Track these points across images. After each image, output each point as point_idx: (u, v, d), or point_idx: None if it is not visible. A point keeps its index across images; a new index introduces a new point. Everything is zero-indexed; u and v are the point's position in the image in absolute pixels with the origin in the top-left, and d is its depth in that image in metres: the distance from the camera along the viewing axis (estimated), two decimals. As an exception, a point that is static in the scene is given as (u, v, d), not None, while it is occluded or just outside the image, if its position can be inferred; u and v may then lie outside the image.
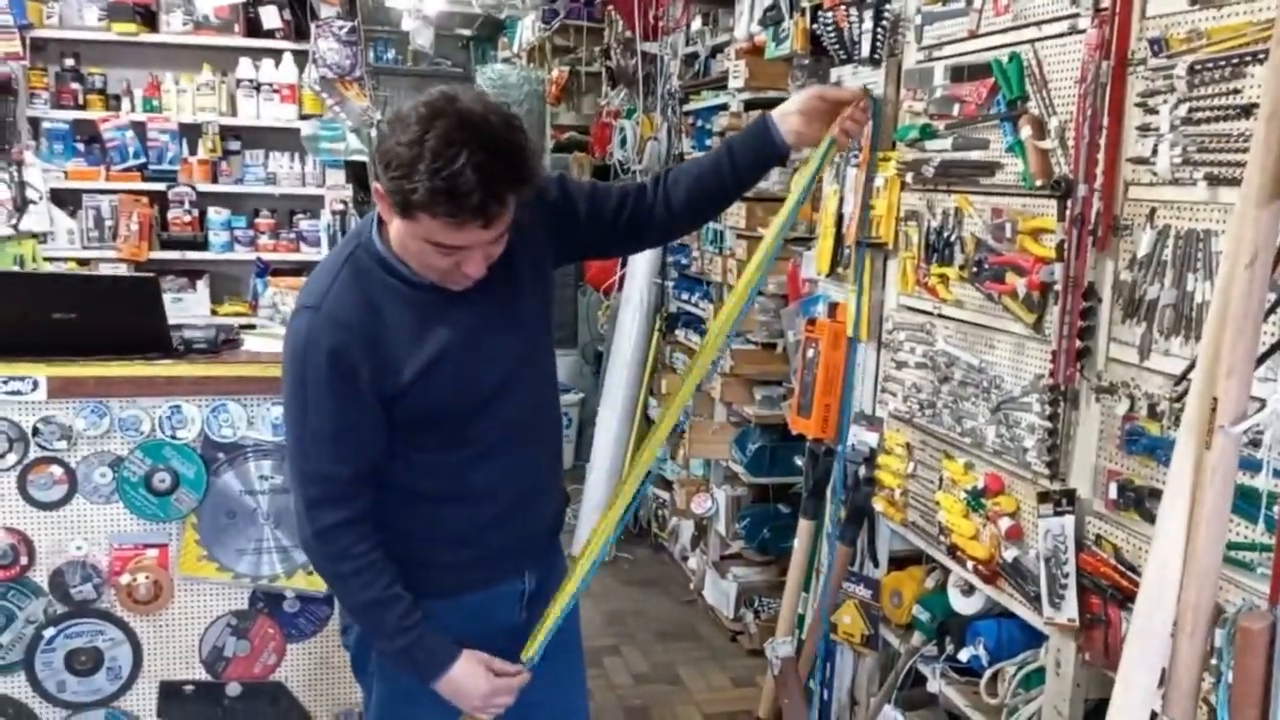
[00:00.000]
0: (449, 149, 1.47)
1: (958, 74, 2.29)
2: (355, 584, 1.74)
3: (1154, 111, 1.74)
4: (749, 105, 3.97)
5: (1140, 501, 1.77)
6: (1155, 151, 1.73)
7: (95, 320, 2.70)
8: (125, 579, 2.76)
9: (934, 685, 2.44)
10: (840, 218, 2.72)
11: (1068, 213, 1.89)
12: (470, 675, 1.77)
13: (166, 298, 4.65)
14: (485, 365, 1.73)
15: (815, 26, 2.94)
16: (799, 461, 3.06)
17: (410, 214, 1.53)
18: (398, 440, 1.72)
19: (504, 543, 1.85)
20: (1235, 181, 1.58)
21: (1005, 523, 2.11)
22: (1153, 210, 1.76)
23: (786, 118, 1.92)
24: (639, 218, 1.91)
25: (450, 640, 1.78)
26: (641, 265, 4.72)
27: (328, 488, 1.70)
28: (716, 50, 4.48)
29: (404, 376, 1.66)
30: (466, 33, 14.16)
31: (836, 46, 2.78)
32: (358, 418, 1.67)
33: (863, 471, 2.62)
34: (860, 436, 2.65)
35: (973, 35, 2.25)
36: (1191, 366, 1.56)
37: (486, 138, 1.50)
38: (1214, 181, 1.62)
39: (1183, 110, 1.68)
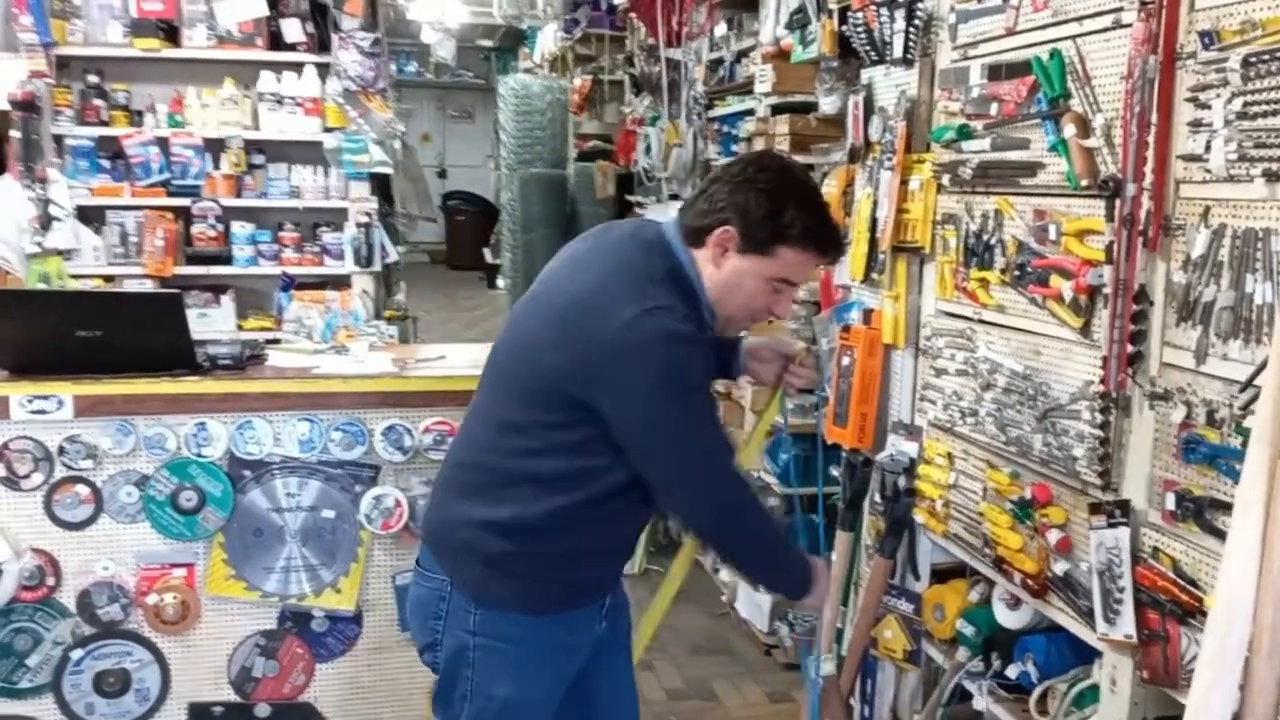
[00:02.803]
0: (811, 194, 1.82)
1: (995, 73, 2.23)
2: (767, 525, 1.94)
3: (1206, 107, 1.67)
4: (776, 109, 3.92)
5: (1200, 512, 1.70)
6: (1208, 148, 1.65)
7: (120, 337, 2.68)
8: (152, 599, 2.74)
9: (980, 702, 2.36)
10: (874, 222, 2.65)
11: (1116, 213, 1.82)
12: (821, 569, 2.02)
13: (191, 313, 4.65)
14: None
15: (844, 28, 2.89)
16: (834, 471, 2.99)
17: (770, 250, 1.76)
18: None
19: (624, 559, 2.04)
20: (1298, 177, 1.51)
21: (1054, 535, 2.04)
22: (1207, 209, 1.69)
23: (750, 352, 2.17)
24: None
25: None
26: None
27: (733, 455, 1.85)
28: (741, 55, 4.44)
29: None
30: (488, 44, 14.24)
31: (867, 48, 2.71)
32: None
33: (902, 482, 2.55)
34: (899, 446, 2.58)
35: (1010, 33, 2.19)
36: (1258, 371, 1.49)
37: (819, 190, 1.86)
38: (1274, 178, 1.55)
39: (1237, 104, 1.60)
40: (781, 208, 1.74)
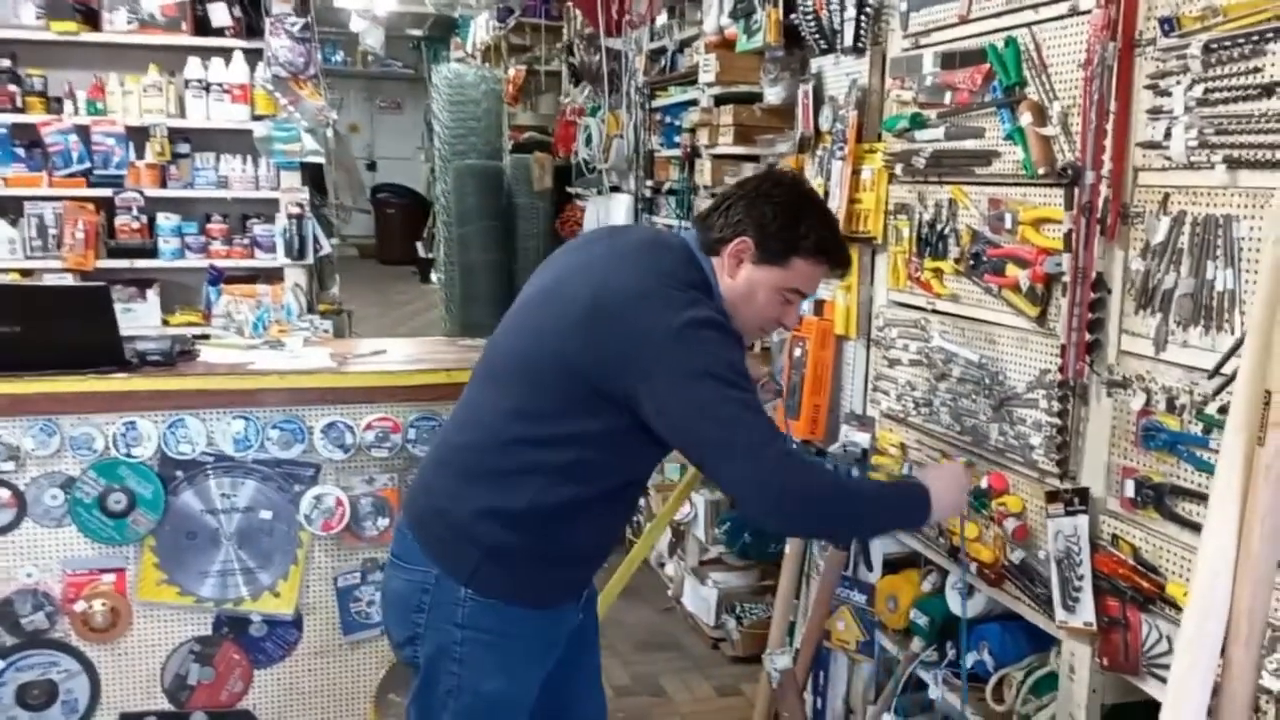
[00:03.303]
0: (823, 209, 1.92)
1: (949, 61, 2.22)
2: (842, 488, 1.88)
3: (1166, 94, 1.67)
4: (720, 100, 3.89)
5: (1160, 499, 1.70)
6: (1168, 135, 1.66)
7: (42, 333, 2.55)
8: (80, 606, 2.63)
9: (935, 692, 2.36)
10: (825, 212, 2.63)
11: (1075, 201, 1.82)
12: (947, 472, 1.99)
13: (116, 308, 4.49)
14: None
15: (793, 17, 2.86)
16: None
17: (785, 261, 1.82)
18: (649, 441, 1.76)
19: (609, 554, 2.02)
20: (1258, 164, 1.52)
21: (1011, 523, 2.04)
22: (1166, 196, 1.69)
23: None
24: None
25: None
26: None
27: (783, 437, 1.85)
28: (684, 45, 4.40)
29: None
30: (417, 33, 13.99)
31: (816, 36, 2.70)
32: None
33: (855, 473, 2.53)
34: (852, 437, 2.56)
35: (964, 20, 2.18)
36: (1226, 358, 1.49)
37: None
38: (1234, 164, 1.56)
39: (1198, 91, 1.61)
40: (797, 220, 1.82)
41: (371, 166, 15.84)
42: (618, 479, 1.83)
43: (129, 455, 2.62)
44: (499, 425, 1.81)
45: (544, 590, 1.85)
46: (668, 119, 4.41)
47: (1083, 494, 1.87)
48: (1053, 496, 1.91)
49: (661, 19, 4.53)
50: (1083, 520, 1.85)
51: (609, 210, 5.01)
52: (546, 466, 1.76)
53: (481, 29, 9.05)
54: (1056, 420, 1.93)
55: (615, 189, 5.18)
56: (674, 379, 1.67)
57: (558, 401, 1.75)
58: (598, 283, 1.77)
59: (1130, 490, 1.76)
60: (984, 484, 2.11)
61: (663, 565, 4.46)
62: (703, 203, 3.64)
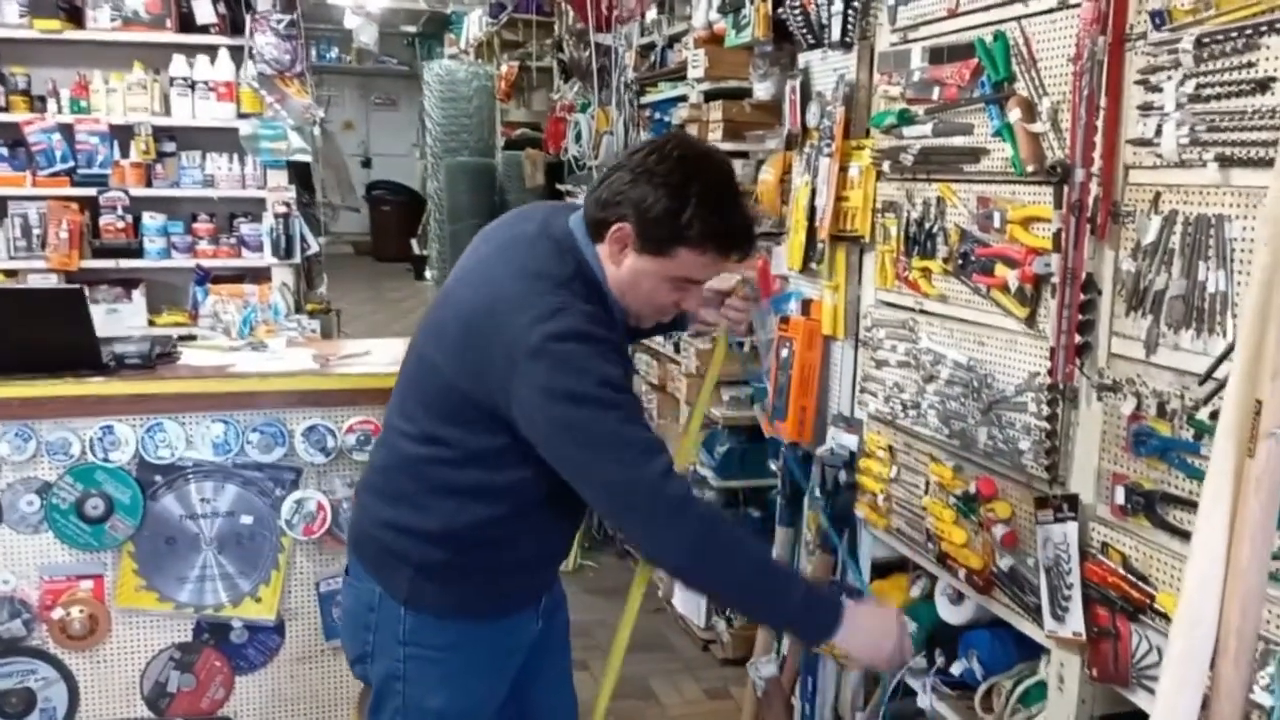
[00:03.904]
0: (716, 188, 1.65)
1: (937, 55, 2.17)
2: (738, 545, 1.65)
3: (1157, 89, 1.62)
4: (709, 96, 3.84)
5: (1151, 506, 1.66)
6: (1159, 132, 1.61)
7: (16, 336, 2.51)
8: (58, 613, 2.59)
9: (924, 700, 2.32)
10: (812, 210, 2.59)
11: (1064, 199, 1.77)
12: (882, 615, 1.72)
13: (101, 309, 4.45)
14: None
15: (780, 11, 2.82)
16: (772, 465, 2.93)
17: (668, 251, 1.64)
18: None
19: (560, 561, 1.99)
20: (1251, 162, 1.47)
21: (1000, 529, 2.00)
22: (1157, 195, 1.65)
23: None
24: None
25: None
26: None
27: (664, 455, 1.61)
28: (674, 40, 4.35)
29: None
30: (411, 30, 13.94)
31: (804, 31, 2.65)
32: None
33: (843, 476, 2.50)
34: (839, 439, 2.53)
35: (952, 14, 2.13)
36: (1218, 363, 1.45)
37: (734, 178, 1.71)
38: (1227, 163, 1.51)
39: (1189, 87, 1.56)
40: (680, 206, 1.61)
41: (367, 163, 15.79)
42: (534, 493, 1.70)
43: (106, 460, 2.57)
44: (403, 446, 1.77)
45: (488, 602, 1.80)
46: (657, 115, 4.37)
47: (1072, 500, 1.82)
48: (1042, 503, 1.87)
49: (651, 14, 4.48)
50: (1072, 527, 1.81)
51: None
52: (453, 487, 1.70)
53: (475, 25, 9.01)
54: (1046, 424, 1.88)
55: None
56: (535, 400, 1.57)
57: (450, 421, 1.69)
58: (469, 295, 1.69)
59: (1120, 497, 1.71)
60: (972, 489, 2.07)
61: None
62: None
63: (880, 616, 1.72)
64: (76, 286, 2.76)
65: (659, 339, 4.21)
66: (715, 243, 1.65)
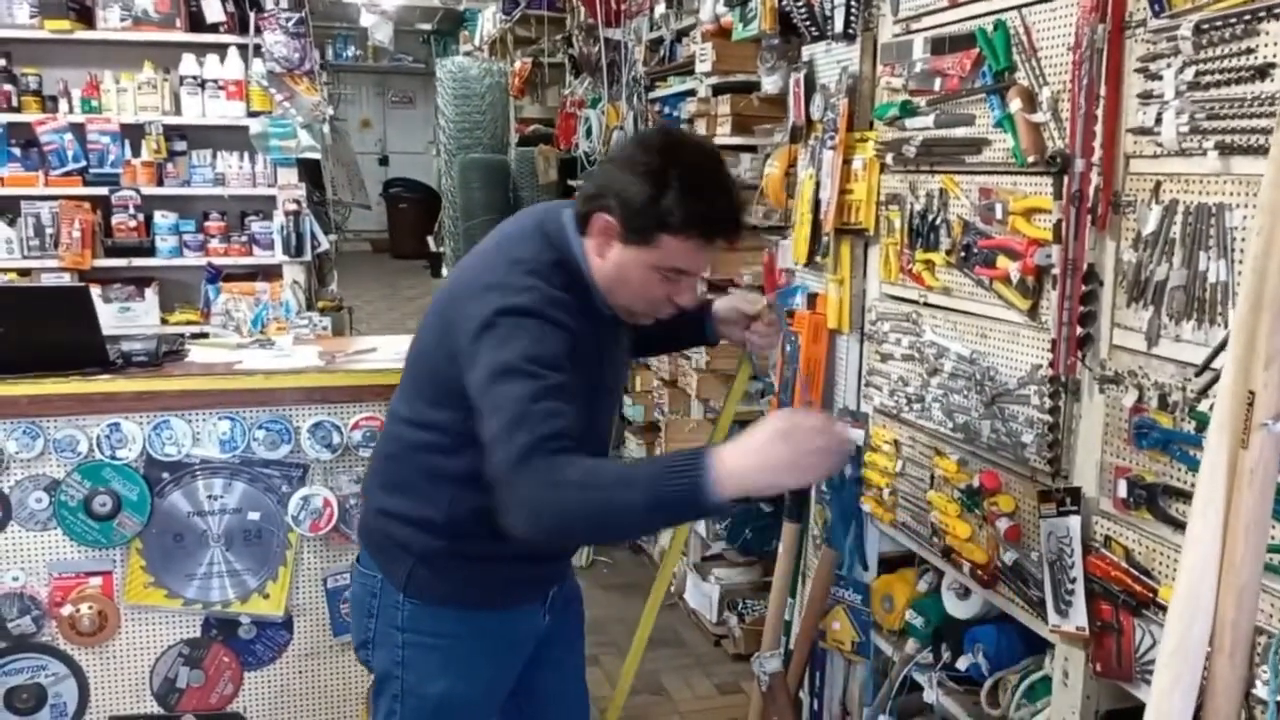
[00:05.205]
0: (699, 175, 1.62)
1: (938, 46, 2.15)
2: (580, 480, 1.45)
3: (1156, 77, 1.60)
4: (718, 90, 3.82)
5: (1153, 500, 1.64)
6: (1159, 120, 1.59)
7: (24, 334, 2.53)
8: (67, 610, 2.61)
9: (930, 695, 2.31)
10: (817, 204, 2.57)
11: (1065, 190, 1.75)
12: (768, 430, 1.42)
13: (113, 308, 4.48)
14: (606, 397, 1.86)
15: (785, 4, 2.79)
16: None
17: (652, 240, 1.62)
18: None
19: (567, 553, 2.00)
20: (1251, 150, 1.45)
21: (1004, 523, 1.98)
22: (1158, 184, 1.62)
23: (717, 315, 2.13)
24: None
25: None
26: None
27: (543, 431, 1.46)
28: (682, 34, 4.33)
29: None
30: (426, 27, 13.96)
31: (808, 23, 2.63)
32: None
33: (849, 470, 2.48)
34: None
35: (953, 4, 2.11)
36: (1215, 354, 1.43)
37: (720, 165, 1.70)
38: (1227, 150, 1.49)
39: (1189, 74, 1.54)
40: (660, 193, 1.59)
41: (384, 161, 15.83)
42: None
43: (114, 457, 2.59)
44: (403, 433, 1.79)
45: (488, 593, 1.80)
46: (666, 110, 4.34)
47: (1075, 494, 1.80)
48: (1045, 496, 1.85)
49: (660, 8, 4.46)
50: (1075, 521, 1.79)
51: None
52: (450, 474, 1.71)
53: (489, 22, 9.01)
54: (1048, 417, 1.86)
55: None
56: (477, 372, 1.55)
57: (440, 405, 1.70)
58: (454, 280, 1.73)
59: (1123, 490, 1.69)
60: (976, 482, 2.05)
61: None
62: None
63: (765, 433, 1.42)
64: (82, 285, 2.78)
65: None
66: (698, 228, 1.62)
